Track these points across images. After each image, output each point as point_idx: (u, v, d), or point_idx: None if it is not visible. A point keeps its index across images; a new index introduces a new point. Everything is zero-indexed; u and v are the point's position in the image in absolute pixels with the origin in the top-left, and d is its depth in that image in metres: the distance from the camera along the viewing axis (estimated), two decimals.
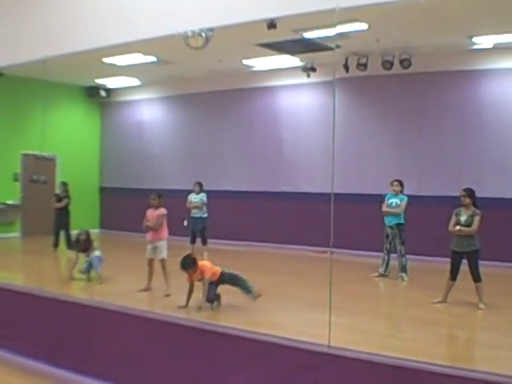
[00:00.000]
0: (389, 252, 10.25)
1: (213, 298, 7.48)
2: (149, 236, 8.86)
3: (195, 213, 12.33)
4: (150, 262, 8.85)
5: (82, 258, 9.73)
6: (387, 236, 10.28)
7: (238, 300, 7.57)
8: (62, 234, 13.14)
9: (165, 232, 8.92)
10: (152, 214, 8.92)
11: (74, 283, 9.83)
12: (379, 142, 13.28)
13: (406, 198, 10.19)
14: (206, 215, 12.38)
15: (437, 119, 12.51)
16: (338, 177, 12.41)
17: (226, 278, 7.57)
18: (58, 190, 13.83)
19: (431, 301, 8.15)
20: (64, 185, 13.33)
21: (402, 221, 10.17)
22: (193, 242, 12.42)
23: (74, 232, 12.93)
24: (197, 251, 11.18)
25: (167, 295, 8.39)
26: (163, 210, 8.91)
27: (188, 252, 12.25)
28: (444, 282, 8.11)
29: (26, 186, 15.79)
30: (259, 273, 10.71)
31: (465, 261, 7.95)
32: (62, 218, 13.06)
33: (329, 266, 5.90)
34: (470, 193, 8.01)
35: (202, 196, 12.41)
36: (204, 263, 7.69)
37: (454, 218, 8.02)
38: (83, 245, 9.68)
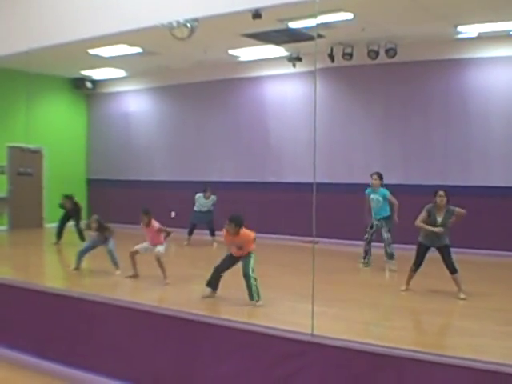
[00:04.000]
0: (370, 243, 10.31)
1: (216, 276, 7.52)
2: (151, 242, 8.96)
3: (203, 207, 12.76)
4: (133, 253, 8.94)
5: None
6: (371, 227, 10.33)
7: (222, 289, 7.60)
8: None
9: (161, 239, 8.95)
10: (148, 231, 8.93)
11: (62, 276, 9.85)
12: (365, 131, 13.32)
13: (387, 193, 10.21)
14: (212, 208, 12.79)
15: (422, 108, 12.56)
16: (324, 166, 12.49)
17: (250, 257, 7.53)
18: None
19: (399, 288, 8.24)
20: (69, 197, 13.09)
21: (388, 213, 10.22)
22: (191, 233, 12.58)
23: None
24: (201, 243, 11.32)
25: (166, 284, 8.55)
26: (157, 226, 8.89)
27: (185, 243, 12.47)
28: (429, 270, 8.16)
29: (12, 178, 15.71)
30: None
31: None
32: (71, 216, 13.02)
33: (315, 256, 5.94)
34: (447, 194, 7.98)
35: (212, 199, 12.84)
36: (250, 233, 7.67)
37: (424, 215, 7.99)
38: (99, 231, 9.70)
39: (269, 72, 14.63)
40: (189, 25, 7.45)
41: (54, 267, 11.30)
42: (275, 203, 14.34)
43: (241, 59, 14.26)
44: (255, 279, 7.39)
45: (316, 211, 6.01)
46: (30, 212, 16.14)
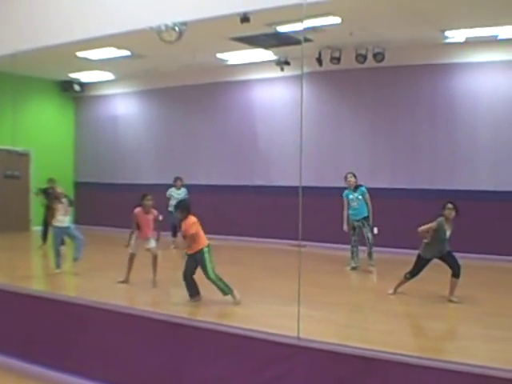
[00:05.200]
0: (357, 244, 10.33)
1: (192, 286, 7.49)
2: (141, 235, 8.88)
3: None
4: (132, 257, 8.89)
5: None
6: (354, 228, 10.34)
7: (209, 293, 7.57)
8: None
9: (153, 230, 9.02)
10: (147, 219, 8.89)
11: (48, 278, 9.80)
12: (353, 135, 13.36)
13: (365, 190, 10.27)
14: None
15: (410, 112, 12.62)
16: (312, 170, 12.53)
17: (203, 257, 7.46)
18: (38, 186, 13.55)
19: (387, 291, 8.26)
20: (52, 181, 13.15)
21: (366, 213, 10.26)
22: (174, 235, 12.54)
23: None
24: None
25: (155, 287, 8.58)
26: (156, 213, 8.92)
27: (172, 246, 12.43)
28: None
29: None
30: (233, 266, 10.75)
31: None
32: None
33: (303, 259, 5.95)
34: (456, 206, 7.81)
35: (184, 191, 12.59)
36: (191, 217, 7.65)
37: (435, 226, 7.86)
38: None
39: (257, 76, 14.64)
40: (177, 28, 7.45)
41: (40, 270, 11.23)
42: (263, 207, 14.34)
43: (229, 63, 14.26)
44: (220, 279, 7.39)
45: (303, 215, 6.02)
46: (17, 215, 16.01)
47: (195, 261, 7.47)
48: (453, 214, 7.80)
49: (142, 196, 8.93)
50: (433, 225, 7.80)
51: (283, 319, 6.31)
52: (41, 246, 12.88)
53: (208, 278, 7.36)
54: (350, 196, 10.28)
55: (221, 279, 7.41)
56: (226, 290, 7.39)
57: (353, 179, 10.30)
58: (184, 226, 7.52)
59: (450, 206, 7.79)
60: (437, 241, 7.86)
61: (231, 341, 5.29)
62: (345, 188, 10.44)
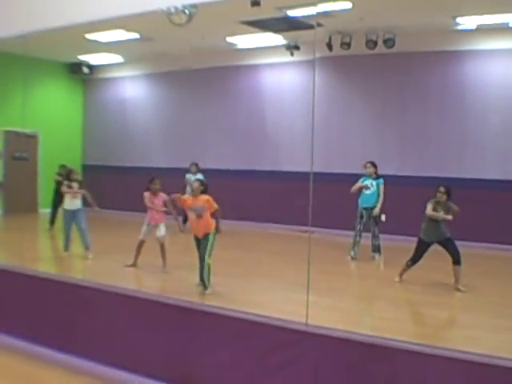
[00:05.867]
0: (361, 233, 10.29)
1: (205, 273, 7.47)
2: (152, 220, 8.88)
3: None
4: (141, 244, 8.93)
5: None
6: (361, 217, 10.31)
7: (217, 278, 7.58)
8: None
9: (163, 215, 9.03)
10: (157, 201, 8.88)
11: (56, 261, 9.85)
12: (362, 121, 13.32)
13: (381, 181, 10.22)
14: None
15: (420, 99, 12.55)
16: (321, 156, 12.47)
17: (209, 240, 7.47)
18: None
19: (393, 279, 8.26)
20: (64, 167, 13.21)
21: (375, 203, 10.22)
22: (185, 221, 12.50)
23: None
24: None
25: (165, 272, 8.65)
26: (165, 196, 8.90)
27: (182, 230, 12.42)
28: (424, 262, 8.16)
29: (7, 163, 15.65)
30: (241, 251, 10.80)
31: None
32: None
33: (310, 246, 5.94)
34: (448, 191, 7.99)
35: (200, 176, 12.50)
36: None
37: (431, 206, 8.02)
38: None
39: (266, 60, 14.58)
40: (187, 11, 7.38)
41: (48, 252, 11.29)
42: (271, 192, 14.33)
43: (238, 47, 14.20)
44: (209, 265, 7.36)
45: (312, 201, 6.00)
46: (25, 197, 16.10)
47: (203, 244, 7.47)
48: (444, 197, 7.97)
49: (150, 180, 8.94)
50: (430, 206, 8.00)
51: (291, 305, 6.31)
52: (49, 229, 12.93)
53: (202, 256, 7.36)
54: (365, 182, 10.21)
55: (210, 266, 7.38)
56: (206, 280, 7.34)
57: (371, 169, 10.22)
58: (201, 202, 7.45)
59: (441, 189, 8.00)
60: (432, 221, 7.97)
61: (239, 326, 5.29)
62: (355, 174, 10.39)
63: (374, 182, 10.18)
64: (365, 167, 10.29)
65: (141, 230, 8.89)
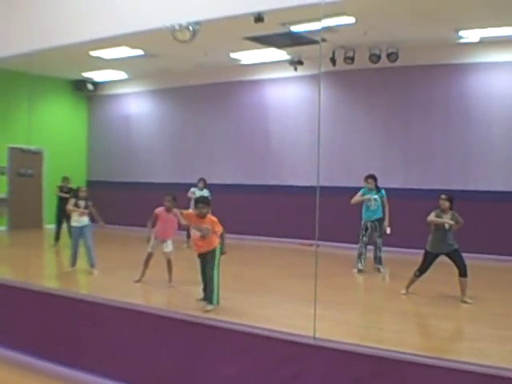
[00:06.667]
0: (366, 245, 10.26)
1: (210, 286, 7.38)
2: (159, 235, 8.86)
3: None
4: (150, 256, 8.89)
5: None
6: (366, 229, 10.29)
7: (223, 292, 7.55)
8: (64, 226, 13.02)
9: (172, 232, 9.00)
10: (167, 218, 8.83)
11: (61, 276, 9.84)
12: (366, 135, 13.35)
13: (383, 193, 10.22)
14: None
15: (424, 113, 12.59)
16: (325, 170, 12.46)
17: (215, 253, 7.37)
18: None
19: (400, 292, 8.25)
20: (67, 179, 13.28)
21: (381, 215, 10.22)
22: (189, 236, 12.47)
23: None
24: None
25: (171, 287, 8.59)
26: (177, 213, 8.81)
27: (185, 245, 12.38)
28: (430, 274, 8.14)
29: (12, 179, 15.73)
30: (246, 265, 10.79)
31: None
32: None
33: (314, 259, 5.95)
34: (450, 197, 8.01)
35: (206, 192, 12.45)
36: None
37: (434, 214, 8.04)
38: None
39: (270, 75, 14.66)
40: (191, 28, 7.44)
41: (53, 268, 11.29)
42: (275, 206, 14.35)
43: (242, 62, 14.29)
44: (217, 280, 7.23)
45: (315, 214, 6.01)
46: (30, 213, 16.15)
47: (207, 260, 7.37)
48: (446, 204, 7.98)
49: (165, 196, 8.93)
50: (433, 213, 7.99)
51: (298, 319, 6.32)
52: (54, 245, 12.94)
53: (211, 273, 7.21)
54: (369, 194, 10.19)
55: (218, 283, 7.27)
56: (215, 296, 7.17)
57: (371, 184, 10.19)
58: (207, 222, 7.36)
59: (442, 196, 8.04)
60: (438, 231, 7.95)
61: (246, 340, 5.29)
62: (359, 188, 10.39)
63: (378, 197, 10.17)
64: (366, 181, 10.28)
65: (149, 244, 8.88)
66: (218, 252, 7.33)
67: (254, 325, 5.48)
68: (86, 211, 9.87)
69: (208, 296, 7.20)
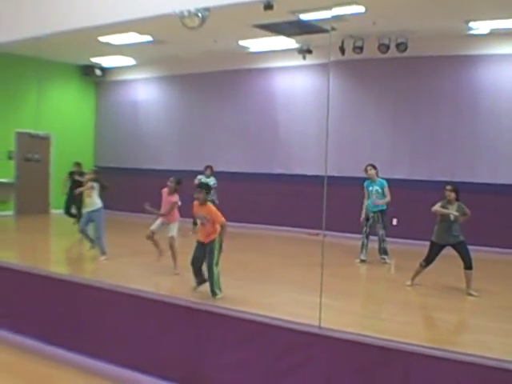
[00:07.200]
0: (368, 236, 10.25)
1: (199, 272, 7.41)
2: (162, 217, 8.89)
3: None
4: (150, 235, 8.83)
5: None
6: (367, 219, 10.28)
7: (229, 280, 7.58)
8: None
9: (176, 215, 8.96)
10: (166, 200, 8.88)
11: (68, 261, 9.88)
12: (374, 125, 13.30)
13: (385, 183, 10.19)
14: (217, 202, 11.73)
15: (432, 103, 12.53)
16: (332, 159, 12.46)
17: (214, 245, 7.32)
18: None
19: (405, 283, 8.25)
20: (79, 164, 13.28)
21: (384, 207, 10.20)
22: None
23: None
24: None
25: (176, 274, 8.58)
26: (175, 198, 8.83)
27: (191, 233, 12.38)
28: (435, 266, 8.14)
29: (20, 164, 15.74)
30: (252, 254, 10.81)
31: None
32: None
33: (320, 249, 5.95)
34: (456, 188, 8.00)
35: (213, 179, 12.40)
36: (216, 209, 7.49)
37: (440, 204, 8.03)
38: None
39: (278, 64, 14.61)
40: (200, 14, 7.42)
41: (60, 253, 11.33)
42: (282, 195, 14.34)
43: (251, 50, 14.23)
44: (217, 273, 7.18)
45: (323, 204, 6.00)
46: (37, 198, 16.22)
47: (205, 250, 7.34)
48: (452, 195, 7.97)
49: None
50: (438, 204, 8.03)
51: (303, 308, 6.34)
52: (74, 223, 12.81)
53: (209, 265, 7.20)
54: (370, 188, 10.20)
55: (218, 273, 7.22)
56: (216, 286, 7.14)
57: (372, 171, 10.20)
58: (207, 211, 7.35)
59: (448, 187, 8.04)
60: (443, 222, 7.95)
61: (251, 328, 5.30)
62: (365, 178, 10.37)
63: (376, 187, 10.13)
64: (365, 171, 10.27)
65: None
66: (216, 246, 7.28)
67: (258, 313, 5.49)
68: (88, 185, 9.86)
69: (211, 290, 7.19)
